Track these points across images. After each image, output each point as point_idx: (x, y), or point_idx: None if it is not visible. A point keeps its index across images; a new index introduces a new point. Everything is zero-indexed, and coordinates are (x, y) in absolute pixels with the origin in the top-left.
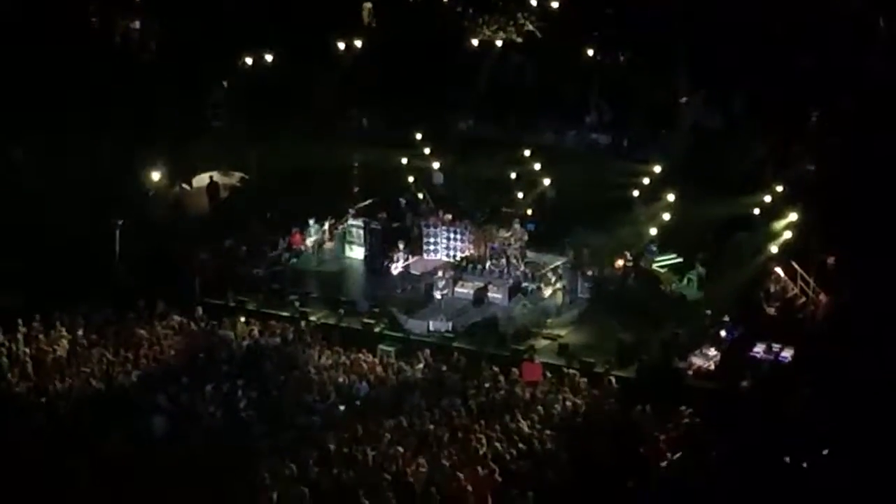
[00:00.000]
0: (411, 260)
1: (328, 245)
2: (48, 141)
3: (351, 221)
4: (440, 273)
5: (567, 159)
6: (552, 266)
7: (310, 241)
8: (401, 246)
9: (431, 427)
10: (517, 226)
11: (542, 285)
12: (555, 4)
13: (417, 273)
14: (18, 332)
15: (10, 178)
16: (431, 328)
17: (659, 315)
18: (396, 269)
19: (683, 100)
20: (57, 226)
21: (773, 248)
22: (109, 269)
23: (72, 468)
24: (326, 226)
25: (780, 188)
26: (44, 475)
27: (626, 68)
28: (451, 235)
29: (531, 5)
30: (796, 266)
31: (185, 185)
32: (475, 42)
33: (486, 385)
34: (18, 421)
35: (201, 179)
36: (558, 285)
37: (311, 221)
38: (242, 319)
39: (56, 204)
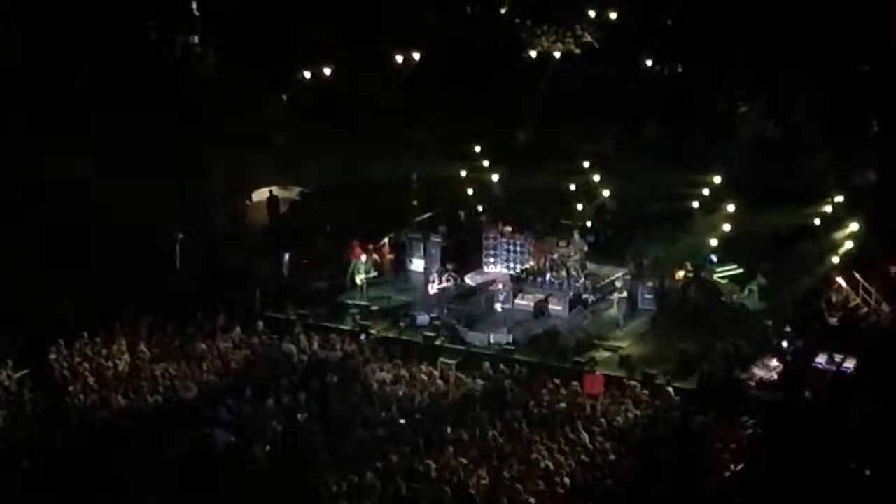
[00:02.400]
0: (448, 281)
1: (388, 257)
2: (111, 155)
3: (410, 234)
4: (500, 285)
5: (627, 170)
6: (613, 277)
7: (359, 279)
8: (434, 267)
9: (493, 439)
10: (577, 237)
11: (603, 297)
12: (613, 15)
13: (475, 285)
14: (79, 346)
15: (74, 193)
16: (492, 340)
17: (720, 326)
18: (433, 288)
19: (743, 109)
20: (120, 239)
21: (835, 258)
22: (171, 282)
23: (135, 481)
24: (386, 239)
25: (840, 198)
26: (108, 488)
27: (685, 78)
28: (511, 247)
29: (589, 16)
30: (858, 276)
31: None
32: (534, 53)
33: (548, 397)
34: (82, 434)
35: (261, 193)
36: (619, 297)
37: (363, 258)
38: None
39: (119, 217)
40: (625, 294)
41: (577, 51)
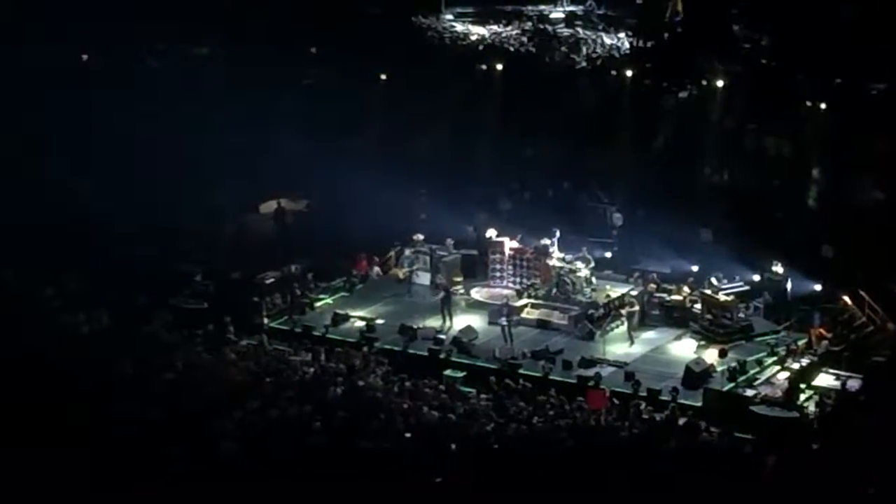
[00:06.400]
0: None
1: (393, 272)
2: (116, 167)
3: (418, 248)
4: (506, 300)
5: (632, 185)
6: (620, 293)
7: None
8: (438, 279)
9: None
10: (584, 252)
11: (609, 312)
12: (621, 35)
13: (484, 300)
14: None
15: (78, 207)
16: (497, 354)
17: (725, 342)
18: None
19: (750, 126)
20: (124, 250)
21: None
22: (178, 293)
23: (138, 492)
24: (392, 253)
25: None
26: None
27: (693, 95)
28: (518, 262)
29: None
30: (864, 294)
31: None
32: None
33: (552, 412)
34: (82, 444)
35: (269, 205)
36: (625, 312)
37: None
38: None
39: (123, 228)
40: (635, 309)
41: (587, 66)
